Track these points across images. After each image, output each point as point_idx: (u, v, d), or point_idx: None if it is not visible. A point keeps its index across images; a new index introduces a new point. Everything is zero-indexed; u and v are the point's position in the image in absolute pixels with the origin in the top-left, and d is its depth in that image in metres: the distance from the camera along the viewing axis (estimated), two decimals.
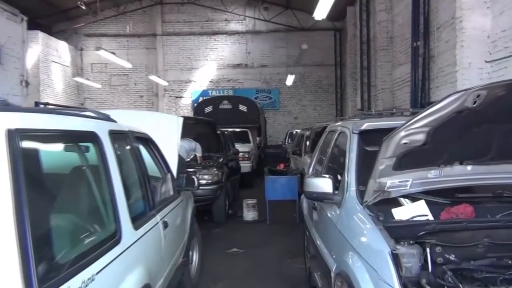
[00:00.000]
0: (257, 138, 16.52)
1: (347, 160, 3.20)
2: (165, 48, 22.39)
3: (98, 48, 14.36)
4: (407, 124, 2.27)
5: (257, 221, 9.07)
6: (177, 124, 4.90)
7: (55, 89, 20.18)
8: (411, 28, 10.64)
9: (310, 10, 21.08)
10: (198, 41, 22.32)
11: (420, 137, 2.32)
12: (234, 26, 22.31)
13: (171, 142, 4.55)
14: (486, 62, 7.59)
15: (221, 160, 9.38)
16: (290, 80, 19.91)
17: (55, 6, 20.37)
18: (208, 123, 9.38)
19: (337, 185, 3.16)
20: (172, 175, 4.21)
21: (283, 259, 6.42)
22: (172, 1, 22.24)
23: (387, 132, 3.02)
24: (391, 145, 2.37)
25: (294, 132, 18.61)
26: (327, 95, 22.32)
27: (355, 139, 3.32)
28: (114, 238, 2.28)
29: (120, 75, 22.79)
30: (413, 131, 2.28)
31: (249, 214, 9.16)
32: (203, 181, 8.52)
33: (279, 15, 21.61)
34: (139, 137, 3.50)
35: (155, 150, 3.98)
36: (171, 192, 4.15)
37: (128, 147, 3.00)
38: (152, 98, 22.74)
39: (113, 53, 16.32)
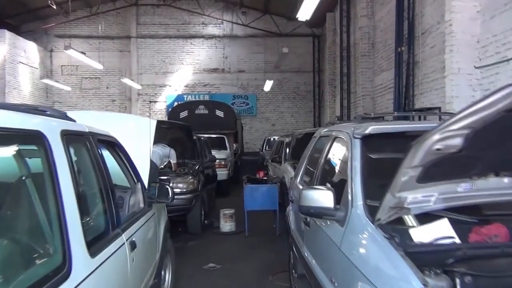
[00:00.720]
0: (234, 145, 16.01)
1: (349, 170, 2.73)
2: (139, 51, 21.68)
3: (67, 47, 13.60)
4: (443, 125, 1.82)
5: (235, 233, 8.54)
6: (150, 127, 4.32)
7: (22, 91, 19.19)
8: (395, 33, 10.37)
9: (289, 16, 20.98)
10: (174, 45, 21.70)
11: (457, 141, 1.87)
12: (211, 29, 21.81)
13: (143, 147, 3.99)
14: (476, 68, 7.31)
15: (197, 167, 8.82)
16: (268, 85, 19.51)
17: (24, 4, 19.46)
18: (183, 128, 8.80)
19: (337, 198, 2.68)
20: (142, 184, 3.65)
21: (264, 276, 5.90)
22: (147, 2, 21.59)
23: (396, 137, 2.56)
24: (420, 152, 1.91)
25: (272, 139, 18.18)
26: (305, 102, 22.02)
27: (357, 145, 2.85)
28: (61, 272, 1.72)
29: (91, 78, 21.94)
30: (450, 134, 1.83)
31: (226, 225, 8.61)
32: (178, 190, 7.94)
33: (257, 20, 21.23)
34: (103, 140, 2.95)
35: (123, 156, 3.42)
36: (141, 205, 3.59)
37: (87, 152, 2.44)
38: (125, 102, 21.95)
39: (83, 53, 15.53)
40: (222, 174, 13.14)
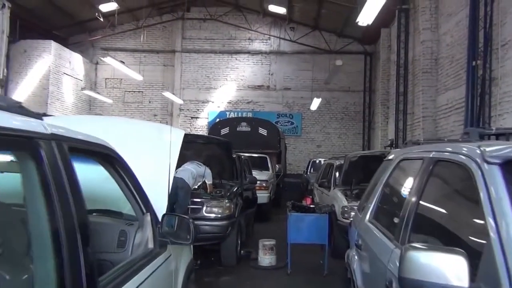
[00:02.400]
0: (277, 166, 14.89)
1: (491, 221, 1.56)
2: (183, 65, 21.17)
3: (104, 55, 13.08)
4: None
5: (275, 268, 7.36)
6: (173, 138, 3.28)
7: (65, 102, 19.01)
8: (468, 46, 9.03)
9: (340, 32, 19.90)
10: (219, 60, 21.06)
11: None
12: (257, 45, 21.02)
13: (161, 164, 2.95)
14: None
15: (235, 189, 7.76)
16: (315, 104, 18.33)
17: (72, 17, 19.50)
18: (222, 144, 7.79)
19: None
20: (153, 216, 2.60)
21: None
22: (194, 17, 21.16)
23: None
24: None
25: (317, 161, 16.96)
26: (354, 123, 20.65)
27: (497, 175, 1.68)
28: None
29: (134, 91, 21.62)
30: None
31: (266, 258, 7.45)
32: (212, 215, 6.92)
33: (305, 36, 20.28)
34: (85, 151, 1.93)
35: (125, 175, 2.39)
36: (150, 245, 2.54)
37: (39, 167, 1.42)
38: (166, 118, 21.40)
39: (122, 62, 15.03)
40: (262, 197, 12.06)
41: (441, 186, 2.29)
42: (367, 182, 9.01)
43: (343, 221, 7.77)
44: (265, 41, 20.94)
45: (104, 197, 2.82)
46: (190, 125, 20.96)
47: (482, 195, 1.68)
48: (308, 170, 16.65)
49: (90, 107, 21.52)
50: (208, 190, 7.40)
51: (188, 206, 6.86)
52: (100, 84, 21.73)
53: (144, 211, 2.58)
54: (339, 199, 8.11)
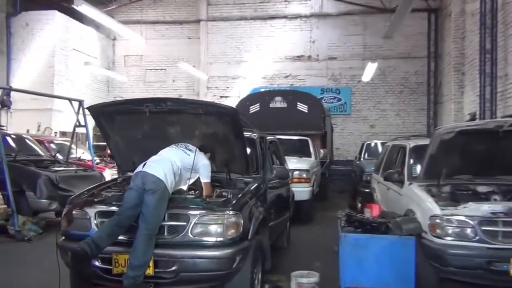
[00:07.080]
0: (321, 151, 11.75)
1: None
2: (209, 36, 18.23)
3: (77, 3, 10.25)
4: None
5: None
6: None
7: (75, 82, 16.56)
8: None
9: None
10: (250, 28, 17.92)
11: None
12: (295, 8, 17.67)
13: None
14: None
15: (251, 189, 4.70)
16: (370, 71, 14.88)
17: None
18: (225, 114, 4.51)
19: None
20: None
21: None
22: None
23: None
24: None
25: (373, 144, 13.61)
26: (416, 97, 16.96)
27: None
28: None
29: (156, 69, 18.99)
30: None
31: None
32: (206, 239, 3.92)
33: None
34: None
35: None
36: None
37: None
38: (192, 98, 18.61)
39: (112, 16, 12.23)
40: (302, 192, 9.06)
41: None
42: (467, 174, 5.73)
43: (433, 242, 4.55)
44: (304, 2, 17.58)
45: None
46: None
47: None
48: (362, 156, 13.32)
49: (108, 88, 19.10)
50: (204, 194, 4.40)
51: (163, 223, 3.91)
52: (119, 62, 19.26)
53: None
54: (424, 203, 4.87)
